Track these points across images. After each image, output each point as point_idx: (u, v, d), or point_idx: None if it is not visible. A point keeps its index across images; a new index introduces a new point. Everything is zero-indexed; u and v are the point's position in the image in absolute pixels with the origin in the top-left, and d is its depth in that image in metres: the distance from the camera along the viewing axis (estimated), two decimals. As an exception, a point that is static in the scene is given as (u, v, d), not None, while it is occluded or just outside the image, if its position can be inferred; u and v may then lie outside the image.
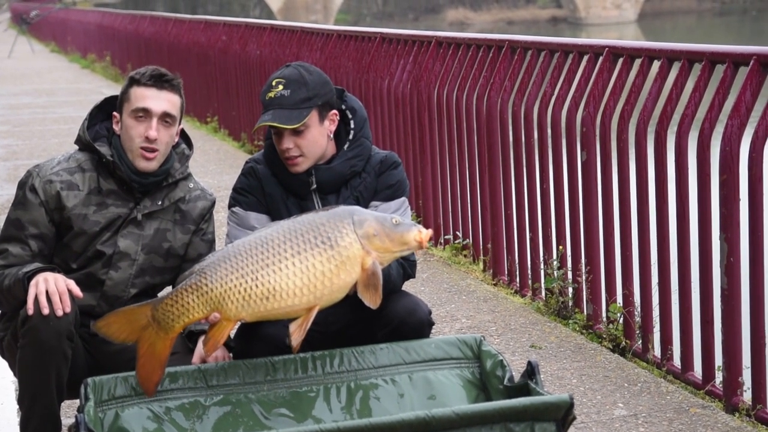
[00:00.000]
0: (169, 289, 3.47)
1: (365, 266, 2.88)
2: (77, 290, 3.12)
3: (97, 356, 3.33)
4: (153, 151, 3.28)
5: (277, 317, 2.92)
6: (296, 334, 2.88)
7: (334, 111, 3.31)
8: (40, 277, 3.10)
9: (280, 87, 3.22)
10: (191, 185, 3.46)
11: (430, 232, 2.93)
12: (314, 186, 3.30)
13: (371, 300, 2.89)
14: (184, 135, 3.48)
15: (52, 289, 3.07)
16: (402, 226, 2.91)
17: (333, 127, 3.31)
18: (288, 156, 3.25)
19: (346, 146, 3.33)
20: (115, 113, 3.35)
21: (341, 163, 3.31)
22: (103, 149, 3.33)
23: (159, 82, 3.29)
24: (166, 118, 3.29)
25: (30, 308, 3.05)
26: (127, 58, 16.61)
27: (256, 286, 2.86)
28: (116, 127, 3.34)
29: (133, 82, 3.30)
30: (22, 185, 3.33)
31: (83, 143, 3.37)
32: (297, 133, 3.22)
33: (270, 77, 3.29)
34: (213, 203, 3.52)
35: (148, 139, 3.26)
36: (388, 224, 2.90)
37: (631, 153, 4.49)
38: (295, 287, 2.86)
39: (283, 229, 2.91)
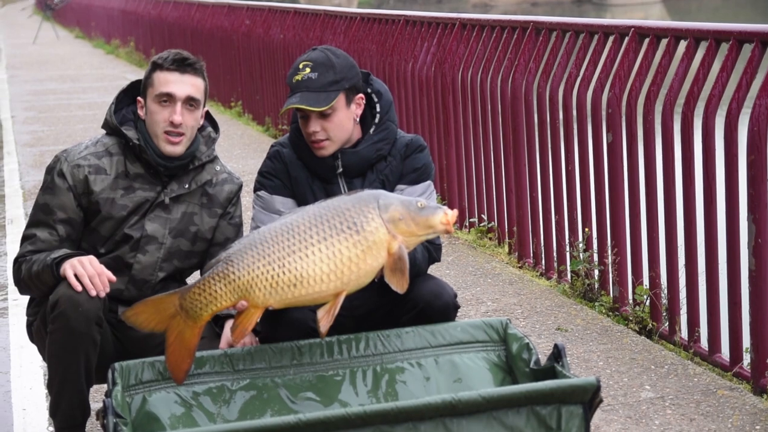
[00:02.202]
0: (197, 274, 3.49)
1: (391, 251, 2.87)
2: (111, 274, 3.14)
3: (125, 341, 3.35)
4: (178, 135, 3.29)
5: (304, 304, 2.92)
6: (324, 320, 2.88)
7: (361, 95, 3.30)
8: (75, 260, 3.12)
9: (308, 70, 3.21)
10: (218, 168, 3.46)
11: (455, 213, 2.92)
12: (340, 170, 3.30)
13: (398, 284, 2.88)
14: (209, 118, 3.48)
15: (91, 271, 3.10)
16: (427, 210, 2.89)
17: (359, 111, 3.30)
18: (314, 139, 3.24)
19: (372, 130, 3.33)
20: (139, 98, 3.36)
21: (367, 147, 3.30)
22: (130, 133, 3.33)
23: (182, 66, 3.29)
24: (190, 102, 3.29)
25: (77, 286, 3.07)
26: (150, 43, 16.65)
27: (284, 273, 2.85)
28: (141, 112, 3.35)
29: (156, 66, 3.30)
30: (50, 170, 3.35)
31: (110, 127, 3.38)
32: (324, 116, 3.21)
33: (296, 60, 3.28)
34: (240, 187, 3.52)
35: (172, 124, 3.27)
36: (413, 208, 2.89)
37: (657, 134, 4.46)
38: (322, 273, 2.85)
39: (309, 214, 2.91)
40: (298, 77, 3.22)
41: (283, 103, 9.97)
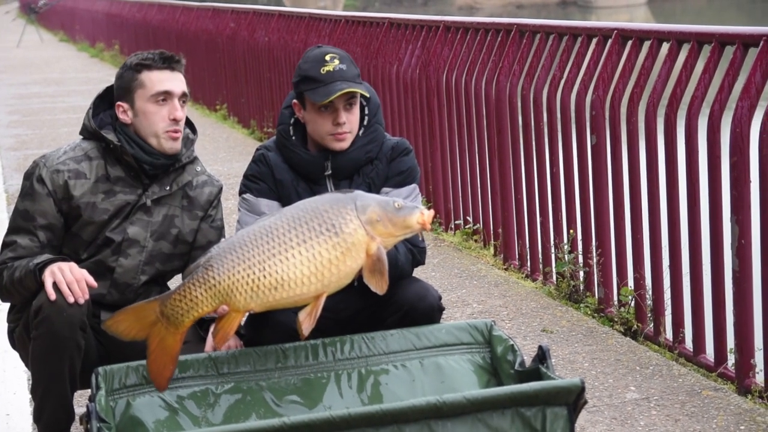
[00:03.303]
0: (179, 277, 3.48)
1: (370, 252, 2.87)
2: (92, 280, 3.13)
3: (108, 346, 3.33)
4: (178, 131, 3.31)
5: (285, 306, 2.92)
6: (306, 323, 2.87)
7: None
8: (55, 267, 3.11)
9: (336, 61, 3.25)
10: (198, 168, 3.47)
11: (431, 213, 2.92)
12: (329, 172, 3.31)
13: (377, 285, 2.88)
14: (187, 120, 3.48)
15: (70, 278, 3.08)
16: (404, 210, 2.90)
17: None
18: (341, 131, 3.26)
19: (361, 132, 3.34)
20: (120, 103, 3.34)
21: (357, 150, 3.31)
22: (110, 136, 3.33)
23: (170, 63, 3.32)
24: (183, 97, 3.32)
25: (51, 294, 3.05)
26: (135, 46, 16.61)
27: (264, 276, 2.85)
28: (124, 117, 3.33)
29: (143, 67, 3.30)
30: (28, 176, 3.33)
31: (89, 132, 3.37)
32: (348, 108, 3.25)
33: (315, 54, 3.27)
34: (220, 189, 3.52)
35: (175, 121, 3.28)
36: (390, 208, 2.89)
37: (640, 136, 4.48)
38: (302, 276, 2.85)
39: (287, 217, 2.90)
40: (329, 68, 3.23)
41: (267, 107, 9.96)
